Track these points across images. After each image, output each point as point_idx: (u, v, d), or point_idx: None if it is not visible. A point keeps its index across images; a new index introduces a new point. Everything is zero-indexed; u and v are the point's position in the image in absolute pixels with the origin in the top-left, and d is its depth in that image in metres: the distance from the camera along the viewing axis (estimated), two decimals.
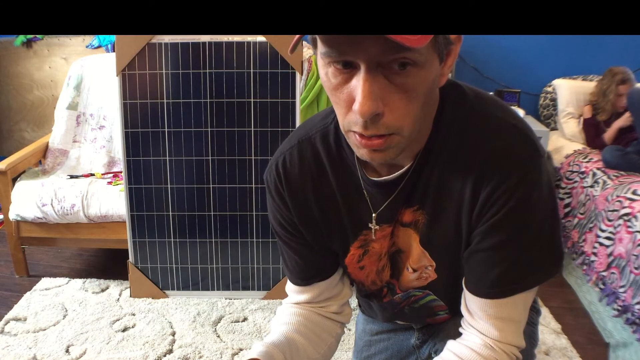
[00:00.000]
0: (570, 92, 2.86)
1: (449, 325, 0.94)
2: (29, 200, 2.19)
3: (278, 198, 0.86)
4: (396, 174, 0.76)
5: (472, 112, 0.73)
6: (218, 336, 1.91)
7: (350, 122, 0.64)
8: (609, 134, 2.55)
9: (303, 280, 0.91)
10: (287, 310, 0.94)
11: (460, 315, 0.83)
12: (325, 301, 0.94)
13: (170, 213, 2.07)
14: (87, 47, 2.95)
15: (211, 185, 2.05)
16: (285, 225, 0.88)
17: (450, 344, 0.82)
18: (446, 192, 0.75)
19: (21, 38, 2.93)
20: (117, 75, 1.97)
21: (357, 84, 0.60)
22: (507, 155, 0.70)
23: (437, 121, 0.73)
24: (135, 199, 2.06)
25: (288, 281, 0.95)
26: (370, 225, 0.82)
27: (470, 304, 0.79)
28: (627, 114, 2.50)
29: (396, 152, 0.67)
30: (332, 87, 0.63)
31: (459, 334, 0.83)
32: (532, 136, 0.72)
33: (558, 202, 2.30)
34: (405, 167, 0.75)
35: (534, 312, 1.00)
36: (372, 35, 0.56)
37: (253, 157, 2.03)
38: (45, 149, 2.55)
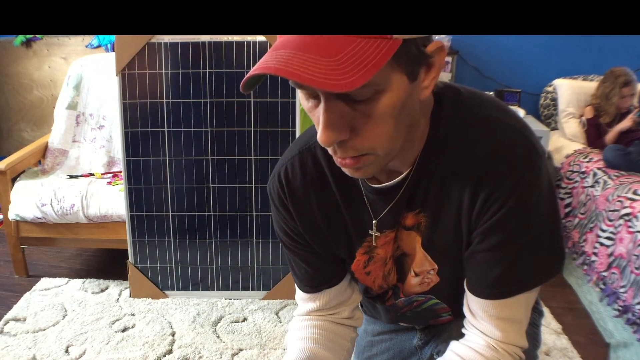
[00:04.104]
0: (570, 92, 2.85)
1: (451, 327, 0.94)
2: (29, 200, 2.18)
3: (282, 208, 0.86)
4: (396, 180, 0.75)
5: (468, 113, 0.72)
6: (218, 336, 1.91)
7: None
8: (610, 136, 2.54)
9: (313, 287, 0.91)
10: (300, 324, 0.94)
11: (464, 317, 0.83)
12: (336, 307, 0.93)
13: (170, 213, 2.07)
14: (86, 46, 2.95)
15: (211, 185, 2.05)
16: (291, 235, 0.88)
17: (453, 344, 0.82)
18: (446, 194, 0.74)
19: (20, 38, 2.92)
20: (116, 75, 1.97)
21: (320, 112, 0.61)
22: (505, 156, 0.69)
23: (433, 124, 0.73)
24: (135, 199, 2.06)
25: (297, 290, 0.95)
26: (370, 232, 0.82)
27: (472, 304, 0.79)
28: (629, 116, 2.50)
29: (375, 169, 0.67)
30: (306, 109, 0.64)
31: (462, 335, 0.83)
32: (530, 135, 0.71)
33: (559, 202, 2.30)
34: (405, 173, 0.75)
35: (537, 313, 1.00)
36: None
37: (253, 157, 2.02)
38: (45, 148, 2.55)
